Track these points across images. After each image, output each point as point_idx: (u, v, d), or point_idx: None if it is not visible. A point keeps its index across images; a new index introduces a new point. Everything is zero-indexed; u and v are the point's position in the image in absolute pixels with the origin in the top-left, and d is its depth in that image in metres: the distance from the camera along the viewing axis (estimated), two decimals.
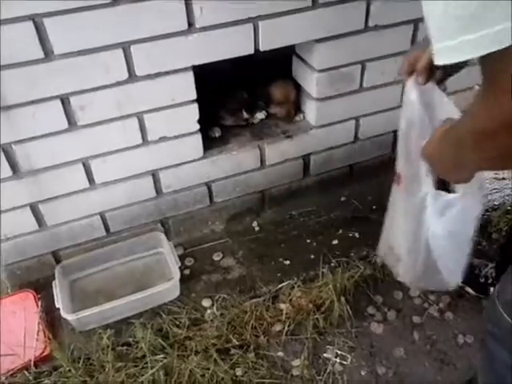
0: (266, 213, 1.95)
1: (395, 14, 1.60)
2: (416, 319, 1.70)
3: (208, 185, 1.76)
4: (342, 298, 1.66)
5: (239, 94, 1.77)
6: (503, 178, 2.07)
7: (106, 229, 1.72)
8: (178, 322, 1.62)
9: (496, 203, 1.96)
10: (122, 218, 1.71)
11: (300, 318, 1.66)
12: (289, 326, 1.64)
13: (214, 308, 1.65)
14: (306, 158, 1.85)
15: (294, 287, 1.70)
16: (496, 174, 2.09)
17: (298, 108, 1.85)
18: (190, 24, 1.38)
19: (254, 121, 1.83)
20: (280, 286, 1.71)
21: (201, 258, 1.83)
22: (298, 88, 1.82)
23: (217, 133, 1.80)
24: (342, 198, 2.03)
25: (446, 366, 1.57)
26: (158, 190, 1.70)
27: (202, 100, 1.58)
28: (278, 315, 1.66)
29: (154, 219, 1.77)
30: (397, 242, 1.34)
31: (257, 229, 1.93)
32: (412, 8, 1.60)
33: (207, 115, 1.74)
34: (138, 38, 1.35)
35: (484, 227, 1.92)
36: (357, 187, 2.04)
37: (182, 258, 1.81)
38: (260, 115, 1.83)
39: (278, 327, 1.65)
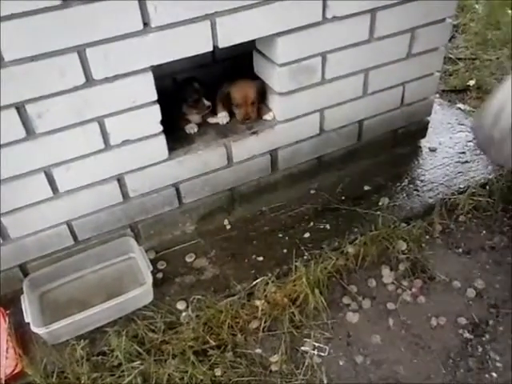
0: (237, 210, 1.94)
1: (352, 4, 1.61)
2: (390, 306, 1.72)
3: (176, 186, 1.74)
4: (316, 291, 1.67)
5: (191, 85, 1.75)
6: (466, 162, 2.11)
7: (74, 237, 1.68)
8: (153, 327, 1.60)
9: (461, 186, 2.00)
10: (89, 226, 1.68)
11: (276, 313, 1.66)
12: (265, 323, 1.64)
13: (189, 310, 1.64)
14: (273, 153, 1.85)
15: (268, 283, 1.69)
16: (460, 157, 2.14)
17: (259, 108, 1.83)
18: (146, 24, 1.36)
19: (214, 121, 1.82)
20: (254, 282, 1.70)
21: (173, 260, 1.81)
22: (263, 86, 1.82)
23: (192, 130, 1.79)
24: (312, 191, 2.04)
25: (421, 349, 1.60)
26: (125, 195, 1.67)
27: (164, 102, 1.57)
28: (254, 312, 1.66)
29: (122, 224, 1.74)
30: None
31: (228, 227, 1.92)
32: None
33: (172, 116, 1.73)
34: (93, 40, 1.32)
35: (451, 211, 1.96)
36: (326, 179, 2.05)
37: (154, 261, 1.79)
38: (224, 119, 1.82)
39: (254, 324, 1.64)
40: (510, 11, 3.20)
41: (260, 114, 1.82)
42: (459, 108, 2.47)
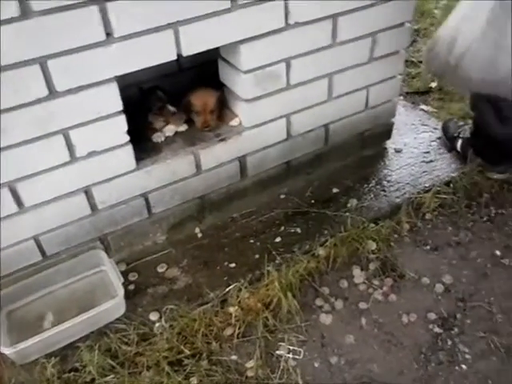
0: (208, 218, 1.94)
1: (314, 10, 1.64)
2: (362, 305, 1.74)
3: (145, 196, 1.73)
4: (289, 294, 1.68)
5: (155, 94, 1.76)
6: (431, 161, 2.17)
7: (42, 253, 1.65)
8: (126, 339, 1.58)
9: (427, 185, 2.05)
10: (57, 240, 1.65)
11: (250, 318, 1.66)
12: (239, 329, 1.64)
13: (163, 320, 1.62)
14: (241, 160, 1.86)
15: (241, 289, 1.69)
16: (424, 157, 2.19)
17: (221, 115, 1.85)
18: (108, 34, 1.35)
19: (172, 132, 1.82)
20: (227, 289, 1.70)
21: (145, 271, 1.79)
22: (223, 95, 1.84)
23: (159, 138, 1.78)
24: (282, 196, 2.05)
25: (394, 346, 1.63)
26: (93, 207, 1.65)
27: (130, 112, 1.56)
28: (228, 319, 1.66)
29: (91, 237, 1.71)
30: (467, 26, 1.33)
31: (199, 235, 1.91)
32: (330, 3, 1.65)
33: (138, 126, 1.73)
34: (55, 52, 1.30)
35: (418, 209, 2.01)
36: (295, 183, 2.07)
37: (125, 273, 1.77)
38: (180, 128, 1.83)
39: (229, 331, 1.64)
40: None
41: (226, 120, 1.83)
42: (422, 109, 2.54)
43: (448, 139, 2.24)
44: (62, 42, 1.30)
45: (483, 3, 1.33)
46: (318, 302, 1.75)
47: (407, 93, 2.74)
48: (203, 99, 1.78)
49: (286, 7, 1.57)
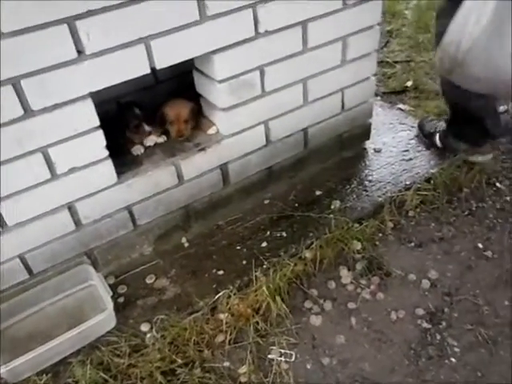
0: (193, 227, 1.96)
1: (283, 18, 1.67)
2: (351, 305, 1.76)
3: (128, 209, 1.74)
4: (278, 298, 1.70)
5: (131, 111, 1.78)
6: (410, 159, 2.20)
7: (29, 271, 1.66)
8: (118, 352, 1.58)
9: (408, 183, 2.08)
10: (43, 257, 1.65)
11: (240, 324, 1.68)
12: (231, 335, 1.65)
13: (154, 331, 1.63)
14: (223, 168, 1.88)
15: (230, 296, 1.71)
16: (403, 155, 2.23)
17: (197, 125, 1.88)
18: (80, 52, 1.37)
19: (158, 141, 1.84)
20: (216, 297, 1.72)
21: (133, 283, 1.80)
22: (198, 104, 1.87)
23: (138, 151, 1.80)
24: (266, 201, 2.07)
25: (384, 343, 1.64)
26: (77, 222, 1.66)
27: (109, 126, 1.58)
28: (219, 326, 1.67)
29: (78, 252, 1.72)
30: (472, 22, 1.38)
31: (186, 245, 1.93)
32: (299, 10, 1.68)
33: (117, 140, 1.75)
34: (27, 71, 1.32)
35: (400, 207, 2.03)
36: (278, 188, 2.10)
37: (114, 286, 1.78)
38: (158, 139, 1.85)
39: (220, 338, 1.65)
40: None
41: (203, 129, 1.86)
42: (399, 108, 2.58)
43: (425, 136, 2.28)
44: (34, 61, 1.32)
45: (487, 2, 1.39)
46: (307, 304, 1.77)
47: (384, 93, 2.78)
48: (176, 109, 1.82)
49: (255, 17, 1.61)
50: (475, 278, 1.80)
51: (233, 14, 1.56)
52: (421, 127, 2.33)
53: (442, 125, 2.23)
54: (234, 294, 1.71)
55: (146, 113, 1.81)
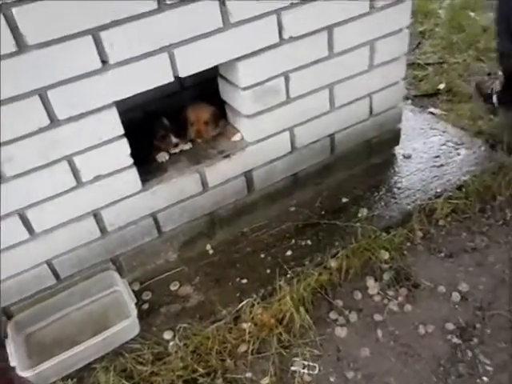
0: (218, 234, 1.95)
1: (307, 23, 1.64)
2: (377, 317, 1.72)
3: (153, 216, 1.75)
4: (302, 309, 1.67)
5: (159, 121, 1.79)
6: (441, 165, 2.13)
7: (56, 276, 1.68)
8: (141, 359, 1.59)
9: (438, 190, 2.01)
10: (70, 263, 1.68)
11: (263, 334, 1.66)
12: (253, 345, 1.63)
13: (176, 339, 1.63)
14: (247, 175, 1.87)
15: (254, 305, 1.69)
16: (434, 161, 2.16)
17: (219, 129, 1.89)
18: (104, 62, 1.38)
19: (184, 148, 1.84)
20: (240, 305, 1.70)
21: (158, 290, 1.81)
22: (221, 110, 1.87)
23: (163, 158, 1.81)
24: (291, 208, 2.05)
25: (411, 357, 1.59)
26: (103, 229, 1.67)
27: (136, 133, 1.59)
28: (242, 335, 1.66)
29: (103, 259, 1.74)
30: None
31: (211, 252, 1.92)
32: (324, 15, 1.65)
33: (143, 147, 1.76)
34: (53, 82, 1.34)
35: (430, 215, 1.97)
36: (304, 194, 2.07)
37: (139, 292, 1.80)
38: (184, 146, 1.85)
39: (243, 348, 1.64)
40: (471, 13, 3.27)
41: (228, 136, 1.86)
42: (431, 112, 2.51)
43: (483, 96, 2.51)
44: (59, 72, 1.33)
45: None
46: (332, 315, 1.73)
47: (415, 96, 2.71)
48: (197, 111, 1.85)
49: (280, 23, 1.59)
50: (510, 293, 1.73)
51: (257, 21, 1.54)
52: (479, 88, 2.54)
53: (497, 85, 2.45)
54: (258, 304, 1.69)
55: (174, 123, 1.81)
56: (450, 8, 3.41)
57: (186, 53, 1.48)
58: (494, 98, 2.46)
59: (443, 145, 2.24)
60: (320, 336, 1.67)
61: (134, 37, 1.38)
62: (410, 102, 2.65)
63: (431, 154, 2.20)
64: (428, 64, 2.95)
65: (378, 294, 1.78)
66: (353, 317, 1.73)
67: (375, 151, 2.15)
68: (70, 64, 1.33)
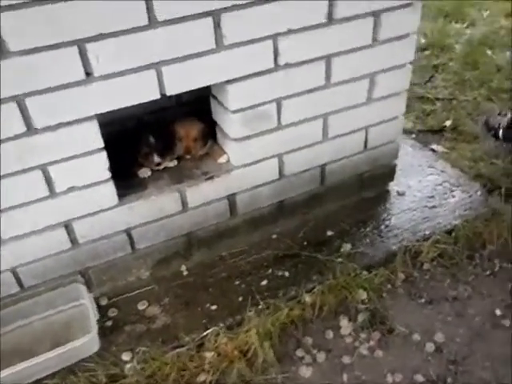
0: (195, 255, 1.90)
1: (305, 51, 1.59)
2: (346, 359, 1.65)
3: (128, 232, 1.71)
4: (266, 344, 1.61)
5: (145, 138, 1.74)
6: (434, 206, 2.06)
7: (20, 284, 1.64)
8: (94, 379, 1.54)
9: (427, 233, 1.95)
10: (36, 272, 1.64)
11: (224, 366, 1.60)
12: (213, 376, 1.58)
13: (134, 361, 1.58)
14: (231, 198, 1.82)
15: (219, 334, 1.64)
16: (428, 201, 2.09)
17: (207, 148, 1.85)
18: (89, 74, 1.34)
19: (168, 165, 1.80)
20: (205, 333, 1.65)
21: (125, 307, 1.76)
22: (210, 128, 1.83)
23: (145, 174, 1.77)
24: (274, 236, 1.99)
25: None
26: (74, 241, 1.63)
27: (123, 143, 1.57)
28: (203, 364, 1.60)
29: (72, 270, 1.70)
30: None
31: (185, 273, 1.87)
32: (323, 44, 1.60)
33: (127, 160, 1.72)
34: (33, 90, 1.31)
35: (415, 258, 1.91)
36: (289, 223, 2.01)
37: (105, 308, 1.75)
38: (169, 163, 1.81)
39: (202, 377, 1.58)
40: (489, 51, 3.19)
41: (214, 156, 1.81)
42: (432, 149, 2.44)
43: (489, 130, 2.57)
44: (40, 80, 1.30)
45: None
46: (299, 352, 1.67)
47: (420, 131, 2.64)
48: (186, 127, 1.80)
49: (276, 48, 1.54)
50: (487, 349, 1.65)
51: (251, 45, 1.50)
52: (487, 123, 2.60)
53: (505, 122, 2.51)
54: (224, 333, 1.64)
55: (161, 141, 1.76)
56: (468, 43, 3.34)
57: (174, 71, 1.44)
58: (500, 133, 2.51)
59: (439, 185, 2.17)
60: (283, 374, 1.61)
61: (121, 51, 1.35)
62: (413, 136, 2.59)
63: (425, 193, 2.13)
64: (437, 99, 2.88)
65: (350, 335, 1.72)
66: (320, 356, 1.66)
67: (368, 185, 2.09)
68: (52, 73, 1.30)
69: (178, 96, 1.87)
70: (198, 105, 1.91)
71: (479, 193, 2.10)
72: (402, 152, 2.33)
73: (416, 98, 2.89)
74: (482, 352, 1.65)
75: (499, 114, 2.64)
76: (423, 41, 3.41)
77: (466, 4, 3.86)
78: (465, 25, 3.64)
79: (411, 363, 1.63)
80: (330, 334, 1.72)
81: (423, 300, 1.81)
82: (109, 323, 1.71)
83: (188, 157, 1.82)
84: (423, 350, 1.66)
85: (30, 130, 1.37)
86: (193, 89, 1.51)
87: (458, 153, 2.42)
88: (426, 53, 3.33)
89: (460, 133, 2.59)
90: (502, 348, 1.65)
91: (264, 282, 1.81)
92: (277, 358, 1.63)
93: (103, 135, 1.48)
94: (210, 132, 1.84)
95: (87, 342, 1.56)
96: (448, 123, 2.67)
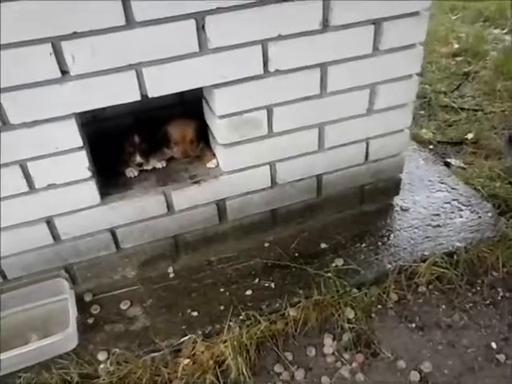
0: (183, 258, 1.87)
1: (298, 58, 1.53)
2: (325, 380, 1.59)
3: (112, 231, 1.69)
4: (240, 358, 1.56)
5: (131, 138, 1.72)
6: (438, 226, 1.95)
7: (3, 275, 1.66)
8: (67, 377, 1.54)
9: (426, 253, 1.84)
10: (18, 265, 1.65)
11: (198, 375, 1.57)
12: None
13: (109, 362, 1.57)
14: (220, 203, 1.77)
15: (197, 341, 1.61)
16: (432, 220, 1.98)
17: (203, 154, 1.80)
18: (64, 72, 1.33)
19: (157, 165, 1.77)
20: (182, 339, 1.62)
21: (107, 306, 1.76)
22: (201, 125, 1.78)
23: (132, 173, 1.76)
24: (266, 244, 1.94)
25: None
26: (56, 237, 1.64)
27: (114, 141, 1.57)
28: (177, 371, 1.58)
29: (55, 265, 1.70)
30: None
31: (172, 275, 1.85)
32: (317, 51, 1.53)
33: (115, 158, 1.71)
34: (6, 85, 1.30)
35: (410, 279, 1.81)
36: (282, 232, 1.95)
37: (88, 305, 1.76)
38: (157, 163, 1.78)
39: None
40: None
41: (204, 160, 1.77)
42: (446, 163, 2.31)
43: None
44: (14, 77, 1.29)
45: None
46: (277, 368, 1.62)
47: (439, 142, 2.51)
48: (182, 128, 1.76)
49: (265, 54, 1.48)
50: None
51: (238, 50, 1.45)
52: (510, 138, 2.38)
53: None
54: (202, 341, 1.61)
55: (145, 142, 1.74)
56: (504, 51, 3.15)
57: (155, 73, 1.41)
58: None
59: (447, 203, 2.04)
60: None
61: (98, 51, 1.32)
62: (430, 147, 2.46)
63: (431, 210, 2.01)
64: (462, 109, 2.72)
65: (333, 354, 1.65)
66: (299, 374, 1.60)
67: (369, 198, 2.00)
68: (26, 70, 1.29)
69: (180, 94, 1.86)
70: (200, 104, 1.88)
71: (490, 214, 1.97)
72: (413, 165, 2.24)
73: (440, 106, 2.75)
74: None
75: None
76: (456, 46, 3.25)
77: (509, 7, 3.63)
78: (505, 30, 3.44)
79: None
80: (311, 352, 1.66)
81: (414, 325, 1.71)
82: (90, 320, 1.71)
83: (187, 159, 1.78)
84: (407, 379, 1.57)
85: (7, 125, 1.37)
86: (176, 92, 1.48)
87: (474, 169, 2.28)
88: (458, 59, 3.16)
89: (480, 147, 2.45)
90: None
91: (249, 292, 1.76)
92: (253, 372, 1.59)
93: (100, 132, 1.49)
94: (204, 134, 1.80)
95: (64, 339, 1.57)
96: (470, 136, 2.53)
